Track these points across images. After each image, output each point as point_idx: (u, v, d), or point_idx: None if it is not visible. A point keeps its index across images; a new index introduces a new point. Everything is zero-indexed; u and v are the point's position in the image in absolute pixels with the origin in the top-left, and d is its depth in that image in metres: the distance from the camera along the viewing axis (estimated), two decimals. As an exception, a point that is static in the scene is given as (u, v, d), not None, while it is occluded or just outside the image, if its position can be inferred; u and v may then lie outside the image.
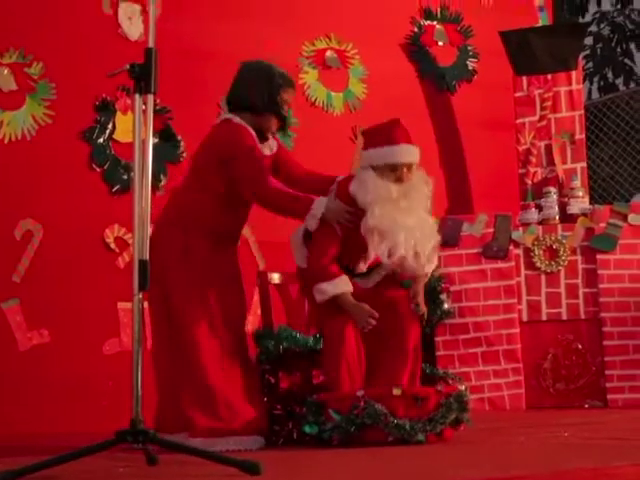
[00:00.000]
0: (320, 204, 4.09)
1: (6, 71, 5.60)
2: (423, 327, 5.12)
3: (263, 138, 4.31)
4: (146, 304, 4.03)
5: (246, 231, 6.05)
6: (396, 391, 3.95)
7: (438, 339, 6.19)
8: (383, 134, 4.20)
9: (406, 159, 4.13)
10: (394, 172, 4.10)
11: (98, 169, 5.78)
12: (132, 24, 5.98)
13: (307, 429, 3.96)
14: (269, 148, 4.36)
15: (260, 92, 4.25)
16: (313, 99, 6.65)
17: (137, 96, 3.25)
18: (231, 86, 4.40)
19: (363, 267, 4.26)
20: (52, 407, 5.27)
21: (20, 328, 5.44)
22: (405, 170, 4.11)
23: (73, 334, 5.44)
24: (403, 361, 4.20)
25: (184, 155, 5.91)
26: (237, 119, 4.23)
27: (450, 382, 4.92)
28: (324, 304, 4.13)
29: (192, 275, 4.13)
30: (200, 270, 4.14)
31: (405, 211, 4.08)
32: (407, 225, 4.07)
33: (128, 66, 3.25)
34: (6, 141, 5.57)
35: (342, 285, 4.09)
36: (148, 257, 3.16)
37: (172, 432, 3.95)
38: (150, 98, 3.25)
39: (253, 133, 4.23)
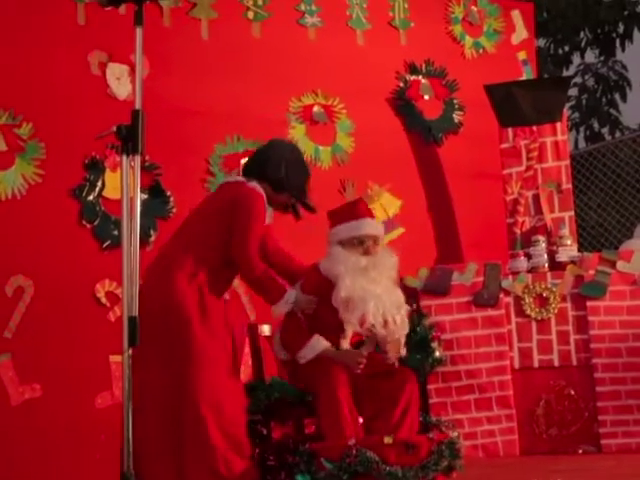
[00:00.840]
0: (291, 296, 4.26)
1: (-4, 132, 5.67)
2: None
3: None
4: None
5: (235, 283, 6.09)
6: (387, 439, 3.95)
7: (430, 387, 6.19)
8: (347, 211, 4.42)
9: (371, 232, 4.36)
10: (361, 245, 4.32)
11: (88, 225, 5.83)
12: (120, 84, 6.06)
13: (299, 478, 3.95)
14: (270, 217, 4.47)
15: (296, 175, 4.38)
16: (301, 153, 6.71)
17: (124, 157, 3.30)
18: (260, 156, 4.47)
19: (345, 344, 4.33)
20: (45, 461, 5.25)
21: (12, 383, 5.44)
22: (371, 243, 4.33)
23: (65, 388, 5.44)
24: (395, 413, 4.22)
25: (173, 210, 5.97)
26: (259, 187, 4.30)
27: (443, 429, 4.93)
28: (310, 365, 4.22)
29: (211, 331, 4.16)
30: (216, 325, 4.18)
31: (373, 281, 4.27)
32: (376, 294, 4.25)
33: (115, 128, 3.30)
34: (-4, 200, 5.62)
35: (319, 343, 4.24)
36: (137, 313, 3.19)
37: None
38: (137, 159, 3.30)
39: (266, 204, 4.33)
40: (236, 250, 4.22)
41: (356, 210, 4.41)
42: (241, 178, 4.44)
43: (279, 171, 4.36)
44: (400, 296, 4.42)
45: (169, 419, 4.02)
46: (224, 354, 4.15)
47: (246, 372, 5.51)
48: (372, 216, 4.46)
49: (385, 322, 4.26)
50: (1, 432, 5.30)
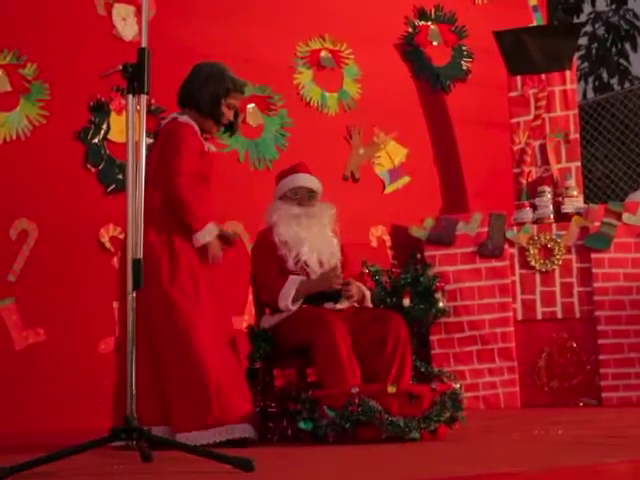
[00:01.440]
0: (212, 228, 4.23)
1: (0, 72, 5.61)
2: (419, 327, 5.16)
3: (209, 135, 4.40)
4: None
5: (240, 230, 6.08)
6: (391, 389, 3.96)
7: (433, 338, 6.20)
8: (286, 170, 4.76)
9: (304, 184, 4.64)
10: (296, 196, 4.62)
11: (93, 169, 5.80)
12: (126, 25, 5.99)
13: (302, 425, 3.97)
14: (213, 148, 4.43)
15: (206, 94, 4.31)
16: (308, 99, 6.66)
17: (130, 96, 3.26)
18: (183, 82, 4.44)
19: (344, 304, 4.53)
20: (48, 405, 5.27)
21: (16, 327, 5.45)
22: (304, 194, 4.62)
23: (69, 333, 5.46)
24: (385, 354, 4.32)
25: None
26: (183, 117, 4.28)
27: (445, 380, 4.95)
28: (307, 320, 4.28)
29: (183, 271, 4.15)
30: (184, 274, 4.15)
31: (307, 227, 4.54)
32: (309, 238, 4.52)
33: (121, 66, 3.26)
34: (1, 142, 5.58)
35: (295, 278, 4.44)
36: (142, 256, 3.18)
37: (150, 425, 3.91)
38: (143, 98, 3.26)
39: (197, 130, 4.27)
40: (164, 177, 4.17)
41: (293, 168, 4.73)
42: (174, 114, 4.40)
43: (199, 93, 4.31)
44: (336, 247, 4.62)
45: (151, 361, 4.03)
46: (193, 303, 4.11)
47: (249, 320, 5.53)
48: (308, 172, 4.70)
49: (320, 262, 4.49)
50: (5, 376, 5.32)
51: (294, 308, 4.41)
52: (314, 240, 4.53)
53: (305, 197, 4.63)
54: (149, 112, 5.19)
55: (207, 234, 4.20)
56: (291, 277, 4.45)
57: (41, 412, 5.25)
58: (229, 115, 4.38)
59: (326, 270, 4.47)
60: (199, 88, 4.32)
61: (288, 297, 4.41)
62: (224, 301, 4.31)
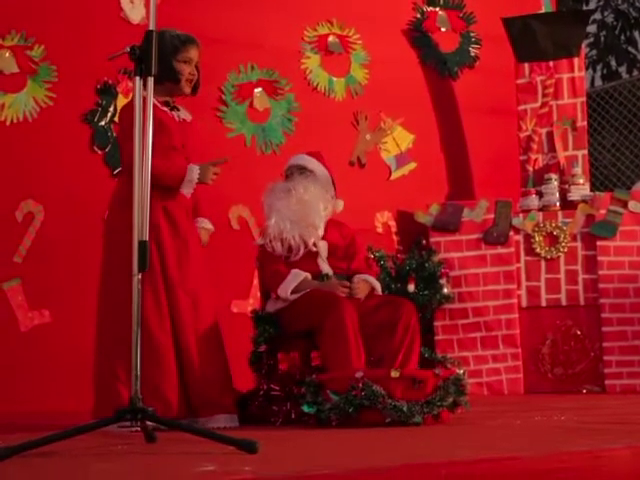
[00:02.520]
0: (192, 170, 4.18)
1: (7, 54, 5.61)
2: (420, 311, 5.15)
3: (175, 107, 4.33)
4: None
5: (246, 214, 6.10)
6: (394, 373, 3.97)
7: (437, 324, 6.22)
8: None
9: (296, 162, 4.71)
10: (290, 175, 4.70)
11: (99, 151, 5.81)
12: (134, 7, 5.99)
13: (306, 408, 3.98)
14: (184, 115, 4.36)
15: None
16: (315, 84, 6.66)
17: (137, 78, 3.26)
18: None
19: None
20: (53, 386, 5.31)
21: (21, 308, 5.48)
22: (297, 171, 4.66)
23: (74, 314, 5.46)
24: (394, 339, 4.33)
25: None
26: None
27: (448, 366, 4.97)
28: (316, 302, 4.30)
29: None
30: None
31: (284, 200, 4.57)
32: (280, 211, 4.54)
33: (128, 49, 3.26)
34: (8, 123, 5.59)
35: (299, 273, 4.45)
36: (147, 238, 3.19)
37: None
38: (150, 80, 3.26)
39: (156, 103, 4.11)
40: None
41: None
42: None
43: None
44: (314, 223, 4.57)
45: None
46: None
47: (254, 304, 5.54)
48: (313, 157, 4.73)
49: (281, 240, 4.53)
50: (10, 358, 5.35)
51: (292, 297, 4.42)
52: (290, 212, 4.54)
53: (295, 174, 4.66)
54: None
55: (188, 184, 4.18)
56: (294, 270, 4.47)
57: (46, 393, 5.28)
58: (187, 69, 4.28)
59: (333, 282, 4.47)
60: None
61: (288, 288, 4.42)
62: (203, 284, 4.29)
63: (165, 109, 4.26)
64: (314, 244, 4.57)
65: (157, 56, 4.07)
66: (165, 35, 4.23)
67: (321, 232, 4.61)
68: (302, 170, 4.66)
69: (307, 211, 4.58)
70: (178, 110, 4.34)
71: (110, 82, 5.83)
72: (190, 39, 4.33)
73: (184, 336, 4.12)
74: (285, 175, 4.73)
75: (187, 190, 4.22)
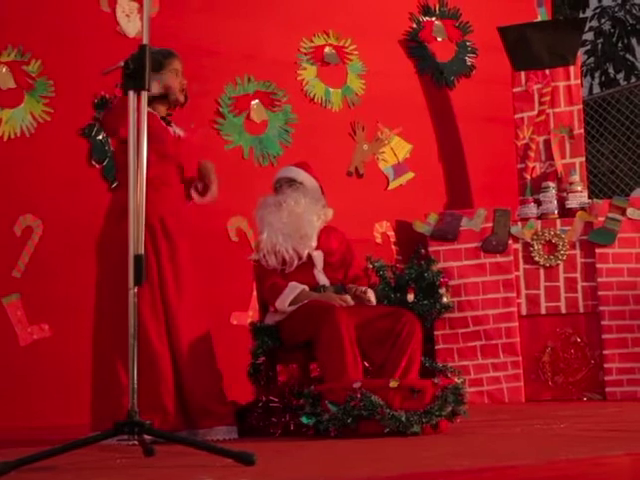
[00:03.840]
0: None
1: (4, 69, 5.63)
2: (423, 322, 5.15)
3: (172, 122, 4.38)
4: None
5: (244, 225, 6.10)
6: (393, 383, 3.97)
7: (437, 333, 6.21)
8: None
9: (285, 174, 4.75)
10: (279, 187, 4.73)
11: (97, 165, 5.82)
12: (130, 21, 6.01)
13: (304, 420, 3.99)
14: (177, 131, 4.39)
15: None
16: (312, 95, 6.67)
17: (131, 93, 3.27)
18: None
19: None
20: (53, 400, 5.30)
21: (21, 323, 5.48)
22: (286, 184, 4.69)
23: (73, 328, 5.45)
24: (396, 348, 4.35)
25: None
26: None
27: (449, 375, 4.96)
28: (312, 313, 4.30)
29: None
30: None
31: (275, 213, 4.61)
32: (272, 225, 4.60)
33: (122, 63, 3.27)
34: (5, 138, 5.61)
35: (296, 286, 4.48)
36: (143, 252, 3.19)
37: None
38: (144, 95, 3.27)
39: (153, 113, 4.18)
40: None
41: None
42: None
43: None
44: (306, 234, 4.60)
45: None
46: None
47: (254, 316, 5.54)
48: (301, 167, 4.76)
49: (275, 253, 4.55)
50: (10, 372, 5.35)
51: (289, 309, 4.44)
52: (282, 225, 4.57)
53: (284, 187, 4.69)
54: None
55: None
56: (292, 283, 4.49)
57: (45, 407, 5.28)
58: (176, 80, 4.32)
59: (331, 294, 4.50)
60: None
61: (286, 301, 4.45)
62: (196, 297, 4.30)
63: (161, 122, 4.30)
64: (309, 255, 4.58)
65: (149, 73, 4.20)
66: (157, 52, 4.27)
67: (314, 243, 4.62)
68: (291, 182, 4.68)
69: (299, 223, 4.59)
70: (171, 126, 4.38)
71: (107, 96, 5.84)
72: (170, 52, 4.39)
73: (180, 348, 4.13)
74: (274, 188, 4.74)
75: None
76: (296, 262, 4.54)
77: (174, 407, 4.05)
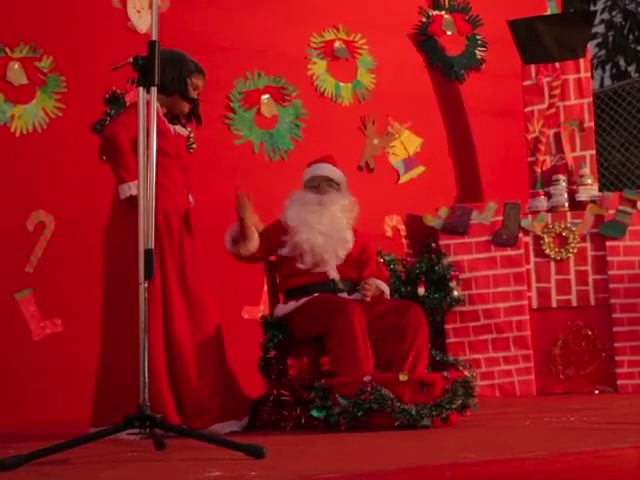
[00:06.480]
0: (133, 186, 4.12)
1: (17, 65, 5.66)
2: (430, 314, 5.17)
3: (177, 120, 4.41)
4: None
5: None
6: (402, 376, 3.98)
7: (448, 326, 6.23)
8: (312, 161, 4.83)
9: (322, 173, 4.73)
10: (314, 184, 4.70)
11: (109, 161, 5.84)
12: (141, 17, 6.03)
13: (315, 413, 4.01)
14: (183, 131, 4.45)
15: (170, 74, 4.28)
16: (322, 90, 6.68)
17: (141, 88, 3.29)
18: None
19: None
20: (66, 395, 5.32)
21: (34, 318, 5.52)
22: (323, 182, 4.68)
23: (86, 323, 5.44)
24: (403, 343, 4.35)
25: (193, 146, 5.97)
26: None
27: (460, 368, 4.97)
28: (325, 307, 4.33)
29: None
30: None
31: (317, 213, 4.61)
32: (317, 223, 4.57)
33: (132, 59, 3.29)
34: (17, 134, 5.64)
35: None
36: (153, 246, 3.21)
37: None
38: (153, 90, 3.29)
39: (160, 111, 4.23)
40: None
41: (319, 158, 4.80)
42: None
43: (162, 75, 4.27)
44: (348, 235, 4.63)
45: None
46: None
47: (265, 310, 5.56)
48: (331, 162, 4.77)
49: (313, 253, 4.55)
50: (23, 367, 5.39)
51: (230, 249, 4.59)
52: (322, 226, 4.57)
53: (322, 185, 4.68)
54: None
55: (135, 187, 4.07)
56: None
57: (58, 402, 5.31)
58: (194, 94, 4.39)
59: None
60: (162, 70, 4.29)
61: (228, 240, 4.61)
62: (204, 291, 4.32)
63: (164, 119, 4.32)
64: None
65: (175, 71, 4.26)
66: (185, 57, 4.38)
67: (351, 244, 4.65)
68: (329, 182, 4.70)
69: (340, 227, 4.63)
70: (174, 124, 4.40)
71: (119, 91, 5.87)
72: (203, 70, 4.45)
73: (178, 344, 4.13)
74: (308, 186, 4.72)
75: (121, 193, 4.21)
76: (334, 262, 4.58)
77: (165, 402, 4.05)
